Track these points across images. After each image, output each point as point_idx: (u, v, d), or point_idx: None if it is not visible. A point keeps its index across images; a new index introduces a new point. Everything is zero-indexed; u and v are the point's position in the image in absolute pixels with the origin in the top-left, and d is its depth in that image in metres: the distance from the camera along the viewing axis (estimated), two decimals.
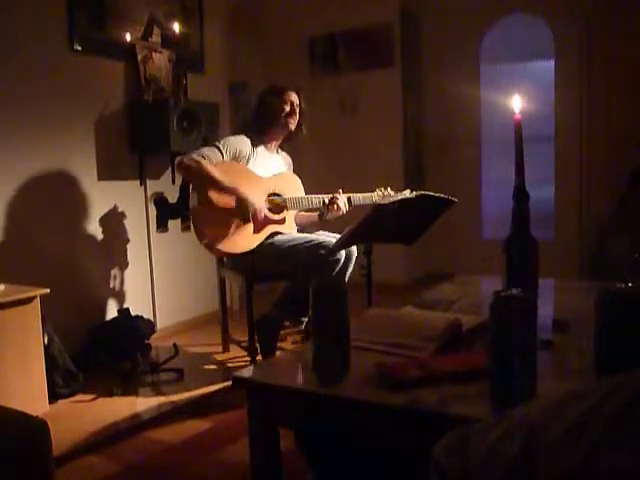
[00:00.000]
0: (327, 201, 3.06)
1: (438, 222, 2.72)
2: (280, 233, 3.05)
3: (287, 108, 3.12)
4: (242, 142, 3.06)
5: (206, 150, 2.96)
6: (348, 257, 2.95)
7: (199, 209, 2.92)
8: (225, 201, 2.94)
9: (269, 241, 3.00)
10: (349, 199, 3.08)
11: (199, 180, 2.94)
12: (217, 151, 2.96)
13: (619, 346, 1.18)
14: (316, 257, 2.84)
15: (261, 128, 3.16)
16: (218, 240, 2.90)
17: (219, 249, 2.93)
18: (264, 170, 3.10)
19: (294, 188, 3.18)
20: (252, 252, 2.96)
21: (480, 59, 5.11)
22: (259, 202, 2.95)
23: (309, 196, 3.13)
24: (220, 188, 2.92)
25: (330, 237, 2.95)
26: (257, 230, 2.99)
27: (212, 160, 2.93)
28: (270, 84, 3.28)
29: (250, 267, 3.00)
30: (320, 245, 2.87)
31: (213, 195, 2.93)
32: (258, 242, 2.98)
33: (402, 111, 5.01)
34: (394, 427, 1.22)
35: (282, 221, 3.09)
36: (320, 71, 5.24)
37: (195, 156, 2.91)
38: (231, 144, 3.03)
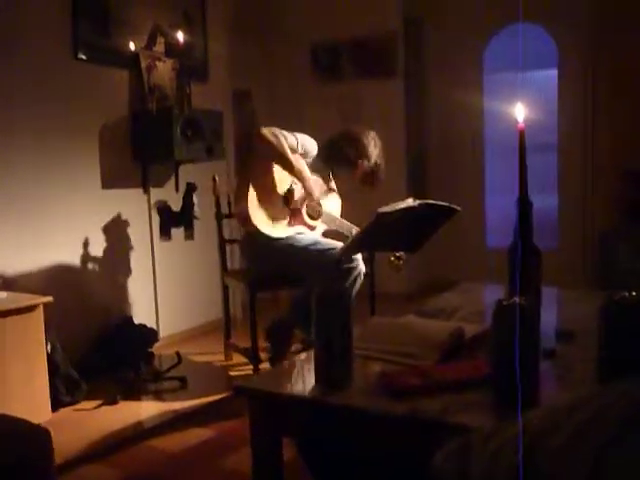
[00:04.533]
0: (354, 233, 3.04)
1: (441, 230, 2.72)
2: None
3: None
4: (313, 146, 3.12)
5: (286, 132, 2.99)
6: (358, 271, 2.94)
7: (247, 183, 2.93)
8: (276, 185, 2.98)
9: (290, 241, 2.99)
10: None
11: (272, 153, 2.93)
12: (294, 139, 3.00)
13: (623, 355, 1.18)
14: (326, 263, 2.84)
15: (327, 163, 3.18)
16: (253, 213, 2.90)
17: (251, 220, 2.90)
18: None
19: (333, 207, 3.24)
20: (274, 241, 2.96)
21: (483, 68, 5.12)
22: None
23: (343, 220, 3.17)
24: (287, 166, 2.94)
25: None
26: (290, 224, 3.03)
27: (288, 141, 2.95)
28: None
29: (265, 258, 3.01)
30: (333, 252, 2.87)
31: (272, 174, 2.97)
32: (287, 234, 2.99)
33: (405, 119, 5.01)
34: (396, 436, 1.21)
35: (312, 228, 3.13)
36: (323, 79, 5.25)
37: (276, 131, 2.94)
38: (306, 142, 3.07)
